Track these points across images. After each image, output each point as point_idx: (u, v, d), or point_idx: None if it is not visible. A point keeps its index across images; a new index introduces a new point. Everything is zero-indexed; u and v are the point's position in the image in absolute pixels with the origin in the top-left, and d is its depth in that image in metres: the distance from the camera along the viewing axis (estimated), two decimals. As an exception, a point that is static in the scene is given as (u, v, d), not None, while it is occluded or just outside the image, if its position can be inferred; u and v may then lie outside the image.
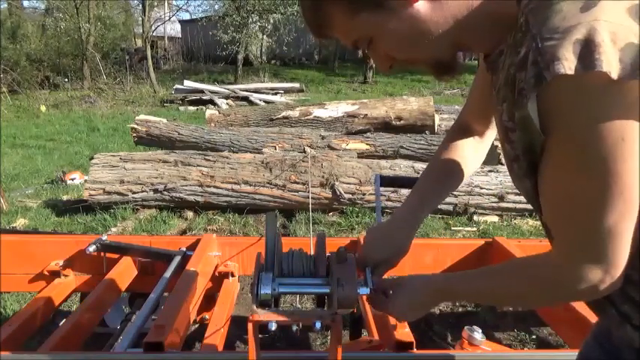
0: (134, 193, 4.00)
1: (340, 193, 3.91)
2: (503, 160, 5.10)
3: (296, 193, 3.97)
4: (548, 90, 0.58)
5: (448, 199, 3.95)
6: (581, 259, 0.64)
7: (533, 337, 2.40)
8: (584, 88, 0.56)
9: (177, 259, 1.93)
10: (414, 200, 1.03)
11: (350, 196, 3.94)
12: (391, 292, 0.93)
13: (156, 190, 3.99)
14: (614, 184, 0.58)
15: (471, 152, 1.06)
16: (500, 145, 0.79)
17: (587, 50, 0.54)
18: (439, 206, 3.90)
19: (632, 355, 0.73)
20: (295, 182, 3.97)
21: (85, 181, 4.28)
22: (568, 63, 0.55)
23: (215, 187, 3.99)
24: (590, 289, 0.65)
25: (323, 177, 3.97)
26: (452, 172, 1.05)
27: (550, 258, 0.71)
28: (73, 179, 5.24)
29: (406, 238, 0.99)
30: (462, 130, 1.08)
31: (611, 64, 0.53)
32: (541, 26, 0.58)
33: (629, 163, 0.57)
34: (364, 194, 3.95)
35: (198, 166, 4.07)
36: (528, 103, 0.60)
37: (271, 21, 15.84)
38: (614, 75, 0.53)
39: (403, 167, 4.07)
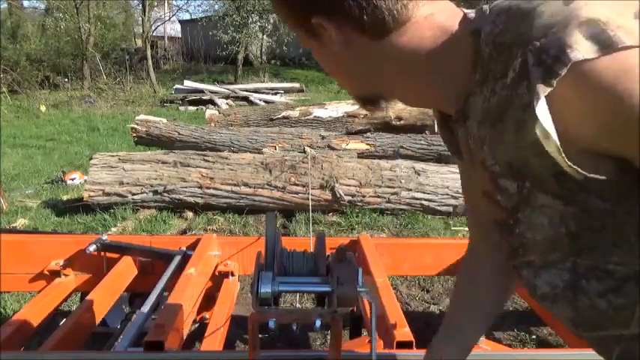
0: (134, 194, 3.99)
1: (340, 195, 3.90)
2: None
3: (296, 195, 3.96)
4: (565, 86, 0.46)
5: (448, 201, 3.95)
6: None
7: (533, 337, 2.40)
8: (615, 68, 0.44)
9: (177, 259, 1.94)
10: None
11: (350, 198, 3.93)
12: None
13: (155, 192, 3.99)
14: None
15: (489, 281, 0.89)
16: (480, 205, 0.66)
17: (598, 30, 0.45)
18: (439, 208, 3.95)
19: None
20: (295, 184, 3.96)
21: (85, 181, 4.28)
22: (583, 47, 0.45)
23: (215, 188, 3.99)
24: None
25: (323, 179, 3.96)
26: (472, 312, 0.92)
27: None
28: (73, 179, 5.24)
29: None
30: (473, 254, 0.94)
31: (633, 33, 0.44)
32: (529, 31, 0.49)
33: None
34: (364, 196, 3.94)
35: (197, 167, 4.06)
36: (537, 109, 0.48)
37: (271, 21, 15.84)
38: None
39: (404, 168, 4.06)
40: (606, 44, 0.44)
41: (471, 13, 0.61)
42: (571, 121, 0.49)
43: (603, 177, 0.51)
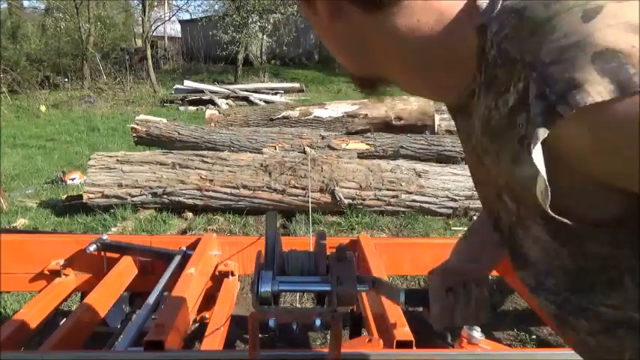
0: (133, 196, 3.98)
1: (340, 198, 3.88)
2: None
3: (295, 198, 3.94)
4: (571, 126, 0.40)
5: (448, 204, 3.94)
6: None
7: (533, 337, 2.40)
8: (632, 112, 0.38)
9: (177, 259, 1.94)
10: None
11: (350, 201, 3.91)
12: None
13: (154, 194, 3.98)
14: None
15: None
16: (486, 200, 0.63)
17: (617, 65, 0.38)
18: (439, 210, 3.93)
19: None
20: (295, 187, 3.95)
21: (84, 182, 4.28)
22: (595, 87, 0.38)
23: (214, 190, 3.97)
24: None
25: (323, 182, 3.93)
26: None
27: None
28: (73, 179, 5.24)
29: None
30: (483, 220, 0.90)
31: None
32: (537, 51, 0.42)
33: None
34: (364, 199, 3.92)
35: (196, 168, 4.05)
36: (533, 153, 0.42)
37: (271, 21, 15.83)
38: None
39: (404, 169, 4.04)
40: (624, 85, 0.37)
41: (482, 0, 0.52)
42: (575, 158, 0.44)
43: (596, 228, 0.47)
